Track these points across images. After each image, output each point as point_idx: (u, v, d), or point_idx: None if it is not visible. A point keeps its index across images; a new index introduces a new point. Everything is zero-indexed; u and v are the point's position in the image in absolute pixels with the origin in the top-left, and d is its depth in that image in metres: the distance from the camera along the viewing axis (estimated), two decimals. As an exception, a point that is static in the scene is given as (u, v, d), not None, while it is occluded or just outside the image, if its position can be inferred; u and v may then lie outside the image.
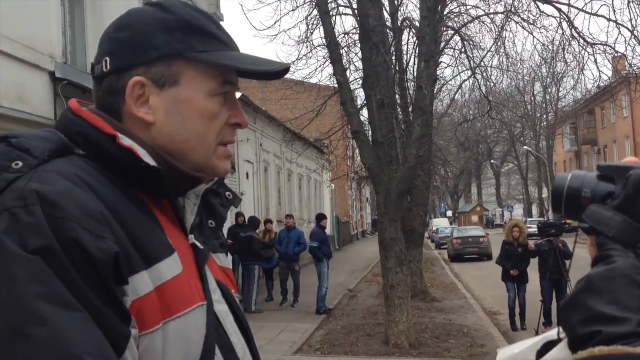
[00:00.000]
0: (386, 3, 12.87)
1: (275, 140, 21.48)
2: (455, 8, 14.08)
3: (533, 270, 10.88)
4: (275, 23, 26.25)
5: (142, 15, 1.00)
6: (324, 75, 53.65)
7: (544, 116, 51.34)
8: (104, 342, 0.77)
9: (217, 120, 1.01)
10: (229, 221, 13.09)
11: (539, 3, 12.27)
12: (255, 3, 13.25)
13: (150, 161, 0.94)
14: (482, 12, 14.10)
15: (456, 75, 21.10)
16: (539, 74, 40.90)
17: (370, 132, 10.26)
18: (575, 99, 43.46)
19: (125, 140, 0.94)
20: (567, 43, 12.47)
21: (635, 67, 12.38)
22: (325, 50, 11.12)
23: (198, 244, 1.01)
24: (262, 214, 17.83)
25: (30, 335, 0.73)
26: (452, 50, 15.21)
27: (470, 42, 14.49)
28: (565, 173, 0.97)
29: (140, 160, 0.93)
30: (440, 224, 44.77)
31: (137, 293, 0.85)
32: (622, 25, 11.42)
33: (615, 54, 12.67)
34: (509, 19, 13.12)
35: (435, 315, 12.23)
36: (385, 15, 12.19)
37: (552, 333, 0.94)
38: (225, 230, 12.01)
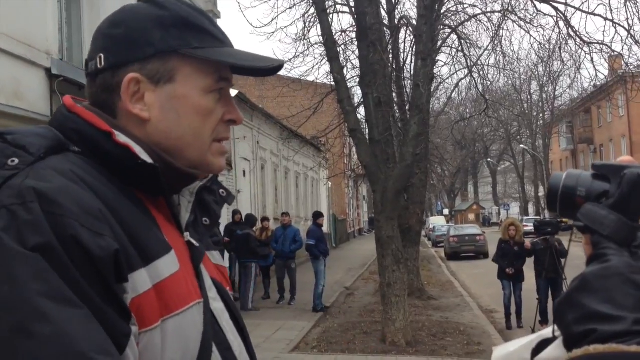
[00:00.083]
0: (383, 1, 12.89)
1: (272, 138, 21.45)
2: (452, 7, 14.14)
3: (529, 269, 10.90)
4: (272, 21, 26.41)
5: (137, 12, 0.99)
6: (321, 73, 53.60)
7: (541, 115, 51.40)
8: (106, 340, 0.77)
9: (212, 116, 1.01)
10: (226, 219, 13.08)
11: (536, 2, 12.31)
12: (252, 1, 13.26)
13: (147, 158, 0.94)
14: (479, 11, 14.16)
15: (453, 74, 21.08)
16: (536, 73, 41.01)
17: (367, 130, 10.26)
18: (571, 97, 43.67)
19: (121, 138, 0.94)
20: (564, 42, 12.52)
21: (631, 67, 12.41)
22: (323, 48, 11.12)
23: (194, 241, 1.01)
24: (259, 211, 17.82)
25: (33, 333, 0.73)
26: (449, 48, 15.25)
27: (468, 41, 14.54)
28: (561, 172, 0.97)
29: (137, 157, 0.93)
30: (437, 222, 44.87)
31: (136, 291, 0.85)
32: (619, 25, 11.48)
33: (612, 53, 12.71)
34: (506, 18, 13.17)
35: (432, 313, 12.24)
36: (383, 13, 12.19)
37: (547, 331, 0.94)
38: (222, 228, 12.00)
